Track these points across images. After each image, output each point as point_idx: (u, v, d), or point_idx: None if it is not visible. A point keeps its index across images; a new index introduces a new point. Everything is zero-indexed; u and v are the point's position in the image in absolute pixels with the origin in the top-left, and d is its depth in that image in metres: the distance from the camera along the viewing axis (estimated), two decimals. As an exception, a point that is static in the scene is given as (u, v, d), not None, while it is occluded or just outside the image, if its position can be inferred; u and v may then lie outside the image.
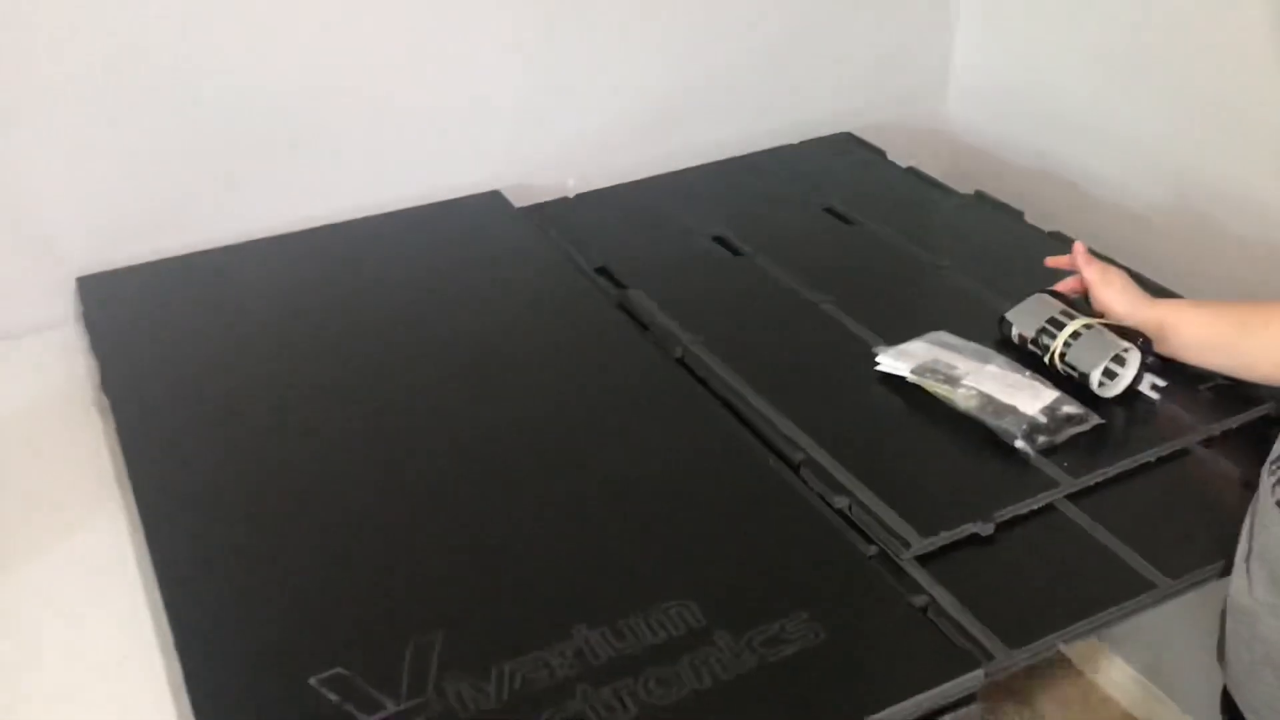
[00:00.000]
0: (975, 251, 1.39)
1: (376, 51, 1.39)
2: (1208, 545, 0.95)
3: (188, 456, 1.05)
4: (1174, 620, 1.65)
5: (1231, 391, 1.09)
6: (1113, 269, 1.15)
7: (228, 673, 0.82)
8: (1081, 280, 1.16)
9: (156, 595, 0.90)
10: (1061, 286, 1.18)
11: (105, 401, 1.14)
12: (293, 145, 1.38)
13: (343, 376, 1.16)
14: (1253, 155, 1.38)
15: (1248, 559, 0.89)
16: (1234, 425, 1.07)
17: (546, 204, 1.51)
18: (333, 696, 0.79)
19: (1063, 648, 1.84)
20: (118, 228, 1.32)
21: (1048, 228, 1.41)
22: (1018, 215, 1.46)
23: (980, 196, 1.52)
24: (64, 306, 1.30)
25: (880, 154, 1.65)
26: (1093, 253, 1.17)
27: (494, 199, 1.49)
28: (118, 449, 1.06)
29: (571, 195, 1.53)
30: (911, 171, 1.61)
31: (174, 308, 1.28)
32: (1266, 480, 0.89)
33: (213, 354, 1.20)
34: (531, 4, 1.45)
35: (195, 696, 0.79)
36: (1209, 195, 1.44)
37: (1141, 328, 1.08)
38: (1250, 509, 0.92)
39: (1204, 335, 1.07)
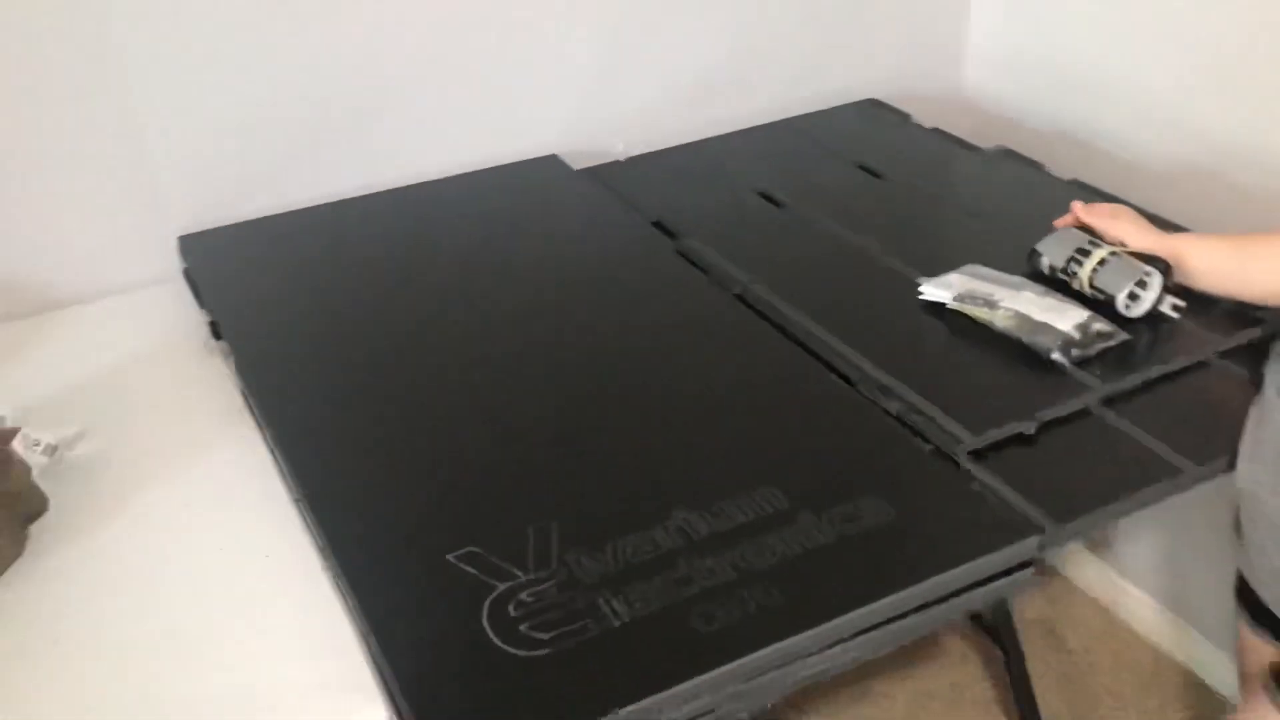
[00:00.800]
0: (1001, 198, 1.51)
1: (442, 26, 1.50)
2: (1225, 439, 1.06)
3: (306, 384, 1.16)
4: (1189, 552, 1.77)
5: (1241, 313, 1.20)
6: (1120, 207, 1.26)
7: (374, 557, 0.94)
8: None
9: (289, 508, 1.01)
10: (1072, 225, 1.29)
11: (215, 345, 1.25)
12: (367, 113, 1.50)
13: (441, 313, 1.28)
14: (1263, 109, 1.49)
15: (1254, 444, 1.01)
16: (1245, 340, 1.18)
17: (599, 167, 1.62)
18: (470, 569, 0.90)
19: (1080, 579, 1.96)
20: (214, 190, 1.43)
21: (1066, 179, 1.52)
22: (1039, 167, 1.57)
23: (1003, 151, 1.64)
24: (167, 263, 1.41)
25: (906, 116, 1.77)
26: (1099, 199, 1.28)
27: (553, 162, 1.61)
28: (237, 383, 1.18)
29: (622, 159, 1.65)
30: (936, 131, 1.72)
31: (268, 262, 1.39)
32: (1271, 375, 1.01)
33: (310, 300, 1.31)
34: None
35: (352, 579, 0.90)
36: (1221, 149, 1.55)
37: (1162, 253, 1.20)
38: (1255, 402, 1.03)
39: (1211, 263, 1.18)
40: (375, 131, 1.51)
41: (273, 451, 1.09)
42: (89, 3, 1.28)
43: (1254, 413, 1.03)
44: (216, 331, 1.26)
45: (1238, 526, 1.08)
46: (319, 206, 1.50)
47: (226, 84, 1.40)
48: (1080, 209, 1.28)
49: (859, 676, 1.86)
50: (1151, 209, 1.32)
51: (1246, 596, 1.12)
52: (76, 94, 1.31)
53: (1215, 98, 1.55)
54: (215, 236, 1.43)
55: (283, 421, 1.10)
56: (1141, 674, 1.86)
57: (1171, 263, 1.20)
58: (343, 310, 1.29)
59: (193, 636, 0.91)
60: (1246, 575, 1.09)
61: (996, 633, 1.70)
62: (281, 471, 1.06)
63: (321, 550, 0.96)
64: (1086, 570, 2.00)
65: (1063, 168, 1.57)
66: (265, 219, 1.47)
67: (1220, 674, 1.76)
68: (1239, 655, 1.19)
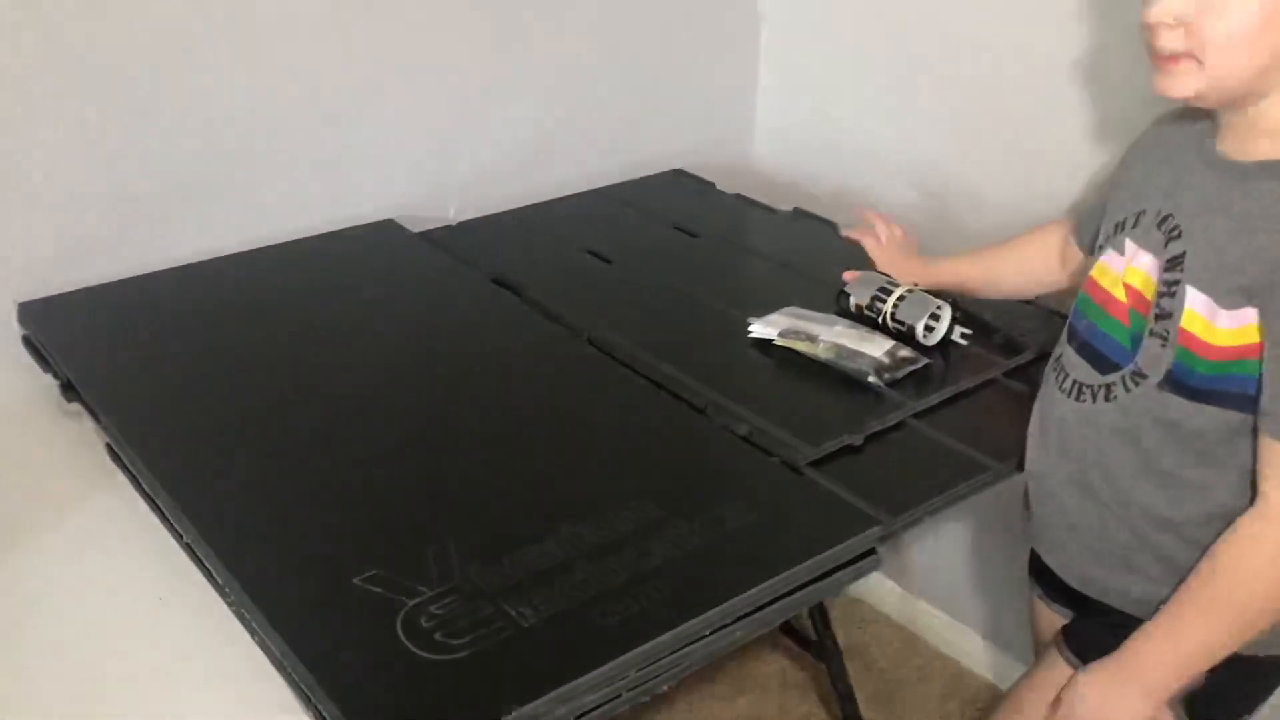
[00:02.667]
0: (803, 251, 1.69)
1: (280, 93, 1.55)
2: (1016, 441, 1.24)
3: (180, 434, 1.18)
4: (978, 568, 1.99)
5: (1016, 341, 1.41)
6: (892, 245, 1.51)
7: (281, 588, 0.97)
8: None
9: (177, 552, 1.03)
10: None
11: (69, 406, 1.25)
12: (208, 180, 1.52)
13: (309, 366, 1.33)
14: (990, 161, 1.75)
15: (1040, 435, 1.20)
16: (1022, 361, 1.38)
17: (434, 230, 1.70)
18: (378, 589, 0.96)
19: (883, 606, 2.14)
20: (52, 257, 1.42)
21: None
22: (832, 225, 1.77)
23: (799, 211, 1.83)
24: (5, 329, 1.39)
25: (710, 185, 1.94)
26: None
27: (391, 226, 1.68)
28: (103, 439, 1.18)
29: (454, 223, 1.74)
30: (739, 196, 1.90)
31: (115, 326, 1.39)
32: (1050, 376, 1.20)
33: (166, 359, 1.32)
34: (416, 52, 1.66)
35: (265, 610, 0.93)
36: (962, 196, 1.81)
37: (928, 282, 1.42)
38: (1039, 397, 1.22)
39: (966, 275, 1.44)
40: (216, 197, 1.54)
41: (152, 499, 1.10)
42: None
43: (1037, 407, 1.22)
44: (70, 393, 1.26)
45: (1027, 506, 1.27)
46: (161, 272, 1.50)
47: (66, 150, 1.40)
48: (869, 217, 1.50)
49: (687, 705, 1.96)
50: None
51: (1037, 569, 1.30)
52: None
53: (960, 159, 1.80)
54: (56, 302, 1.42)
55: (163, 469, 1.11)
56: (943, 683, 2.05)
57: (936, 283, 1.42)
58: (201, 367, 1.31)
59: (106, 686, 0.92)
60: (1037, 549, 1.27)
61: (819, 644, 1.85)
62: (166, 517, 1.08)
63: (223, 588, 0.99)
64: (888, 596, 2.19)
65: (849, 223, 1.77)
66: (107, 285, 1.46)
67: (1010, 675, 1.97)
68: (1032, 626, 1.37)
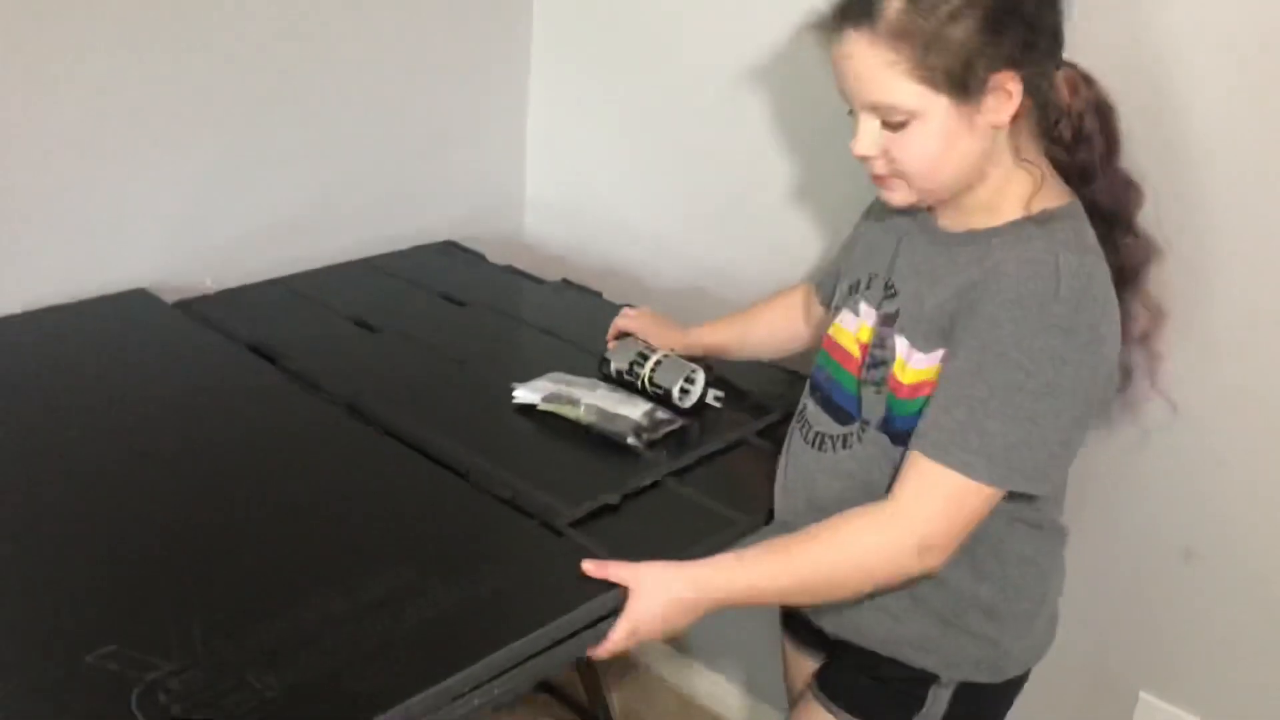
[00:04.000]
0: (568, 319, 1.73)
1: (35, 155, 1.49)
2: (764, 496, 1.31)
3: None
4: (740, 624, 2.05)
5: (764, 403, 1.49)
6: (646, 318, 1.55)
7: (17, 667, 0.91)
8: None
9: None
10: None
11: None
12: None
13: (52, 441, 1.26)
14: (738, 244, 1.85)
15: (787, 485, 1.27)
16: (769, 422, 1.46)
17: (190, 300, 1.65)
18: (112, 666, 0.91)
19: (658, 667, 2.17)
20: None
21: (618, 303, 1.78)
22: (597, 295, 1.82)
23: (565, 282, 1.88)
24: None
25: (480, 256, 1.97)
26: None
27: (142, 295, 1.62)
28: None
29: (212, 292, 1.69)
30: (509, 268, 1.93)
31: None
32: (795, 429, 1.28)
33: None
34: (172, 117, 1.62)
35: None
36: (710, 272, 1.90)
37: (686, 349, 1.48)
38: (784, 449, 1.29)
39: (720, 339, 1.51)
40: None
41: None
42: None
43: (783, 459, 1.29)
44: None
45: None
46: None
47: None
48: (619, 326, 1.54)
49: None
50: (675, 314, 1.61)
51: (787, 617, 1.36)
52: None
53: (704, 234, 1.90)
54: None
55: None
56: (715, 741, 2.09)
57: (696, 349, 1.49)
58: None
59: None
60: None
61: (591, 709, 1.86)
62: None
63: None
64: (660, 657, 2.22)
65: (613, 294, 1.83)
66: None
67: (777, 728, 2.04)
68: (786, 676, 1.43)
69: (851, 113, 1.10)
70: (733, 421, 1.44)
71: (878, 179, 1.13)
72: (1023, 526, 1.18)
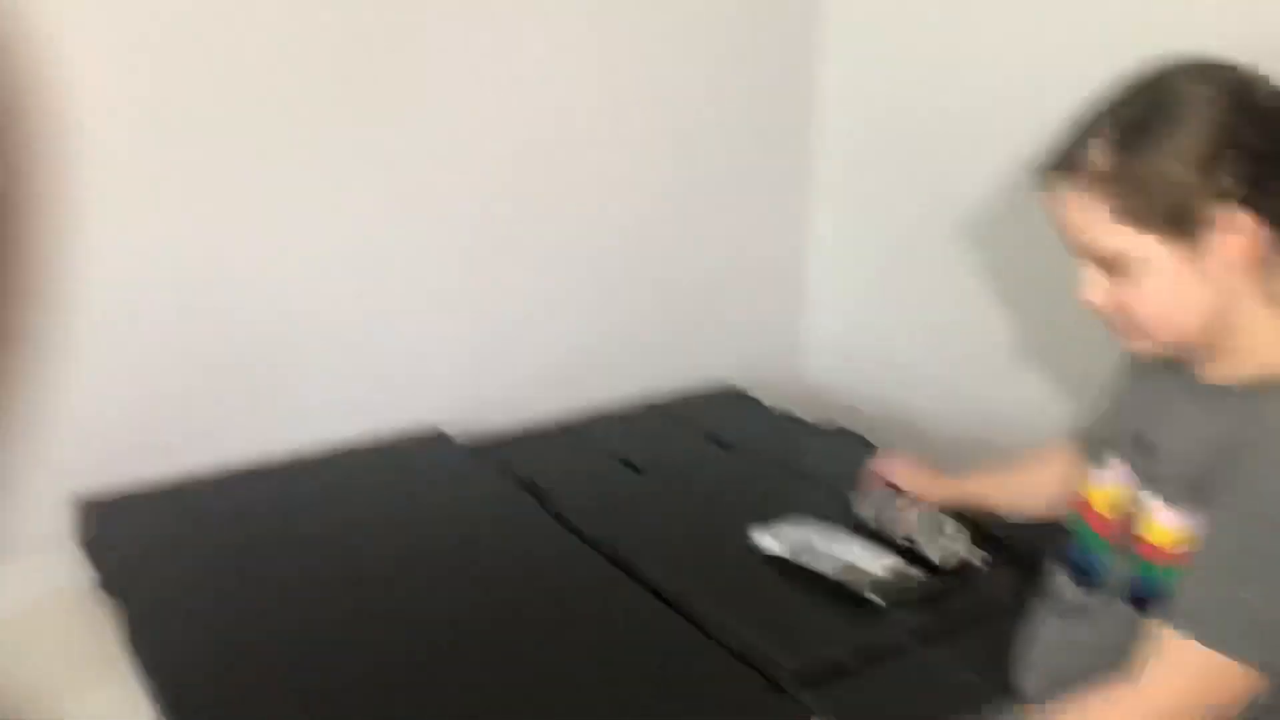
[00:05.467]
0: (833, 466, 1.69)
1: (334, 307, 1.69)
2: (1013, 666, 1.20)
3: (193, 640, 1.24)
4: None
5: (1027, 561, 1.37)
6: (907, 464, 1.48)
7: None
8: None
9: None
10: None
11: (101, 599, 1.32)
12: (262, 383, 1.64)
13: (332, 578, 1.38)
14: (1030, 389, 1.74)
15: (1028, 657, 1.16)
16: (1032, 583, 1.34)
17: (479, 437, 1.77)
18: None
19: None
20: (109, 451, 1.54)
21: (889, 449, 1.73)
22: (868, 442, 1.78)
23: (839, 429, 1.85)
24: (59, 520, 1.49)
25: (756, 400, 1.98)
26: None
27: (433, 433, 1.76)
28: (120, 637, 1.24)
29: (503, 432, 1.81)
30: (782, 413, 1.93)
31: (157, 526, 1.48)
32: (1043, 596, 1.17)
33: (199, 564, 1.40)
34: (475, 264, 1.79)
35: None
36: (998, 420, 1.79)
37: (945, 500, 1.40)
38: (1031, 618, 1.18)
39: (983, 492, 1.42)
40: (269, 400, 1.66)
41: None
42: None
43: (1029, 629, 1.18)
44: (105, 588, 1.34)
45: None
46: (207, 476, 1.59)
47: (118, 350, 1.54)
48: (887, 466, 1.48)
49: None
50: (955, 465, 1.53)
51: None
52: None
53: (991, 380, 1.81)
54: (105, 499, 1.52)
55: (167, 675, 1.16)
56: None
57: (959, 503, 1.40)
58: (228, 581, 1.37)
59: None
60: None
61: None
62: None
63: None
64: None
65: (891, 440, 1.78)
66: (151, 487, 1.55)
67: None
68: None
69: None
70: (990, 581, 1.35)
71: (1114, 329, 1.05)
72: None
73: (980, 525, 1.39)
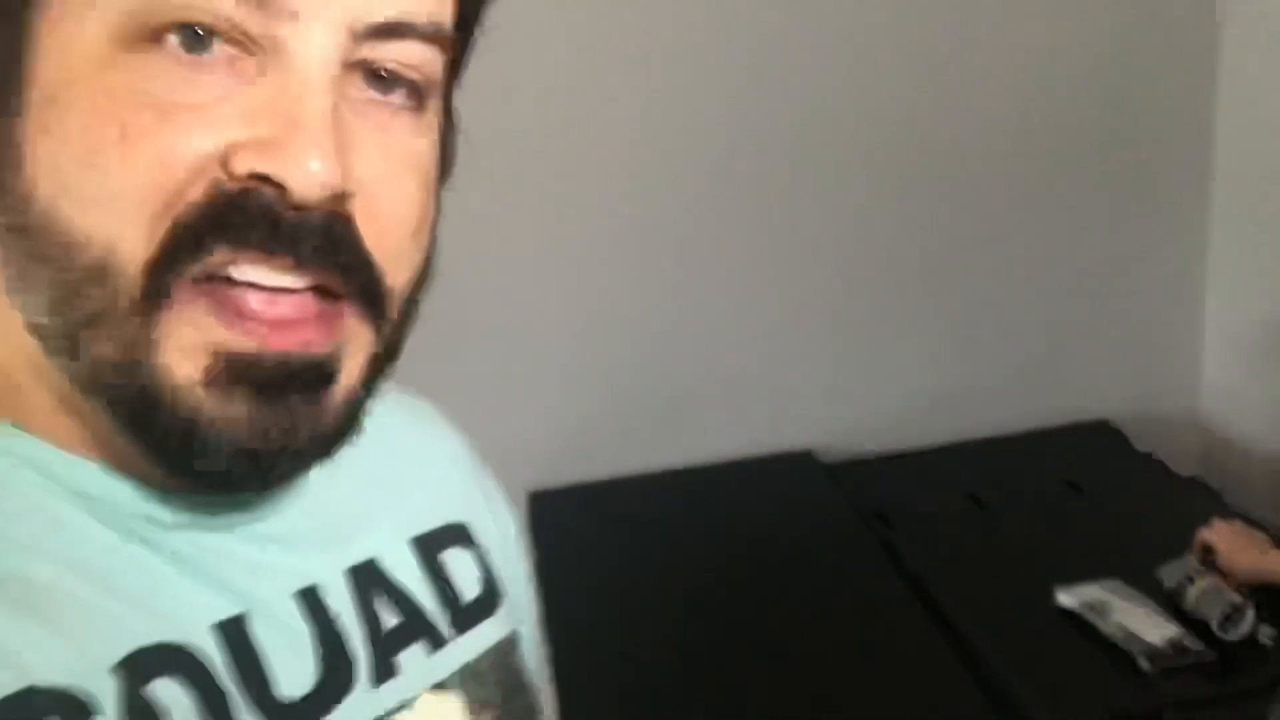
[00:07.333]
0: (1175, 519, 1.75)
1: (731, 341, 2.04)
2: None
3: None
4: None
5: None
6: (1230, 531, 1.53)
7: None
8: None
9: None
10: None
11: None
12: (679, 402, 2.04)
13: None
14: None
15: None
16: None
17: (843, 461, 2.05)
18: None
19: None
20: (556, 451, 2.01)
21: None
22: (1219, 499, 1.81)
23: (1196, 481, 1.89)
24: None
25: (1125, 440, 2.05)
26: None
27: (805, 457, 2.07)
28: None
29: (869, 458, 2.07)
30: (1147, 455, 1.99)
31: (588, 525, 1.92)
32: None
33: (627, 565, 1.78)
34: (848, 299, 2.07)
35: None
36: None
37: (1255, 573, 1.46)
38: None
39: None
40: (681, 418, 2.05)
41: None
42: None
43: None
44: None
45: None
46: (633, 477, 2.00)
47: (571, 363, 2.00)
48: (1211, 532, 1.56)
49: None
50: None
51: None
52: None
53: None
54: (549, 495, 1.98)
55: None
56: None
57: (1263, 572, 1.46)
58: (647, 585, 1.71)
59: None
60: None
61: None
62: None
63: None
64: None
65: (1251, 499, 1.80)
66: (588, 484, 2.00)
67: None
68: None
69: None
70: (1274, 659, 1.41)
71: None
72: None
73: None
